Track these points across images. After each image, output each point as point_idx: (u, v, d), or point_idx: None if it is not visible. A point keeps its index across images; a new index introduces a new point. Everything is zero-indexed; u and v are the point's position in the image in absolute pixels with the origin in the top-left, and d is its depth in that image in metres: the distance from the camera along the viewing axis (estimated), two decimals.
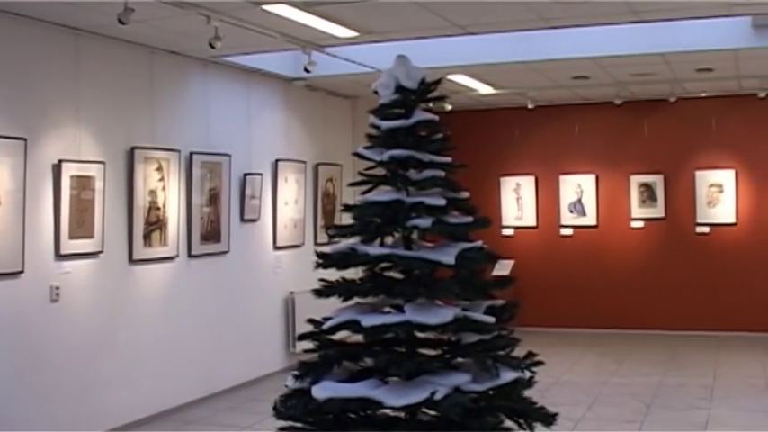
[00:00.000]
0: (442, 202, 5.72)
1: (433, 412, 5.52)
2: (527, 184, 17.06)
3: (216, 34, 9.09)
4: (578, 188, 16.70)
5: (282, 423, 5.77)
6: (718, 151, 15.90)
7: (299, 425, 5.72)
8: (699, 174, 16.03)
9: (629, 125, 16.34)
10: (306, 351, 5.97)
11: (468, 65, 12.34)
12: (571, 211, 16.76)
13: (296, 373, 5.75)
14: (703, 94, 15.48)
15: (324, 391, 5.51)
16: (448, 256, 5.61)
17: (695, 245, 16.04)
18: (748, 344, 14.71)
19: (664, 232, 16.27)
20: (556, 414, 5.92)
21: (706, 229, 16.02)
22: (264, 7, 8.75)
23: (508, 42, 11.31)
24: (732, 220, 15.87)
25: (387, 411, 5.62)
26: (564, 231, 16.83)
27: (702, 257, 15.94)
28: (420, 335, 5.76)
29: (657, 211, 16.29)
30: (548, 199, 16.94)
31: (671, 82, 14.03)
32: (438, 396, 5.32)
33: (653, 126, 16.24)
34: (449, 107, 14.17)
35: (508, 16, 9.49)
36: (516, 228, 17.06)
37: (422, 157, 5.77)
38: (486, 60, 12.04)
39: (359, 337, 5.70)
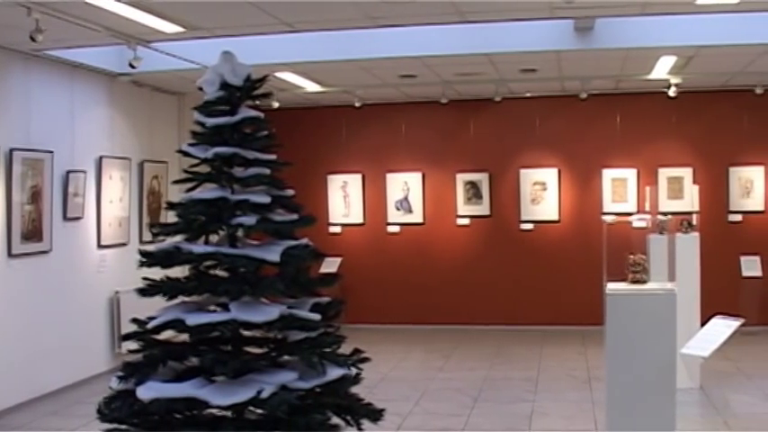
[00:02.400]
0: (267, 199, 5.70)
1: (259, 411, 5.51)
2: (354, 181, 17.11)
3: (37, 27, 8.85)
4: (405, 186, 16.85)
5: (107, 425, 5.66)
6: (541, 150, 16.29)
7: (123, 427, 5.62)
8: (523, 172, 16.38)
9: (455, 124, 16.58)
10: (131, 351, 5.87)
11: (296, 62, 12.33)
12: (398, 209, 16.89)
13: (120, 374, 5.64)
14: (528, 95, 15.86)
15: (149, 391, 5.43)
16: (273, 254, 5.60)
17: (520, 242, 16.39)
18: (571, 337, 15.09)
19: (489, 229, 16.56)
20: (383, 410, 5.98)
21: (530, 227, 16.38)
22: (89, 0, 8.57)
23: (335, 40, 11.34)
24: (555, 217, 16.29)
25: (213, 411, 5.58)
26: (391, 228, 16.95)
27: (527, 254, 16.30)
28: (246, 333, 5.75)
29: (483, 208, 16.57)
30: (375, 196, 17.03)
31: (496, 82, 14.28)
32: (264, 394, 5.32)
33: (478, 125, 16.52)
34: (276, 104, 14.12)
35: (335, 14, 9.51)
36: (343, 225, 17.09)
37: (247, 155, 5.75)
38: (314, 58, 12.04)
39: (185, 337, 5.64)
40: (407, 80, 14.00)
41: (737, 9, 9.65)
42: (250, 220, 5.63)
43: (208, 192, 5.75)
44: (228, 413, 5.59)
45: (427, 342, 15.42)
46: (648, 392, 7.54)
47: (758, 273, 15.10)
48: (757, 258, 15.20)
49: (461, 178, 16.63)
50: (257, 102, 6.02)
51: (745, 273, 15.20)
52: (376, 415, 5.92)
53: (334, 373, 5.69)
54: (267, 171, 5.83)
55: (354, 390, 5.95)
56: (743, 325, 8.07)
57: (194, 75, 7.57)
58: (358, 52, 11.86)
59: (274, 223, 5.78)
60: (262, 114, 5.93)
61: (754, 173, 15.61)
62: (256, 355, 5.76)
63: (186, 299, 5.76)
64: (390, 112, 16.75)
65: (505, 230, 16.48)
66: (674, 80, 13.72)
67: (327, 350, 5.75)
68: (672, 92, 14.07)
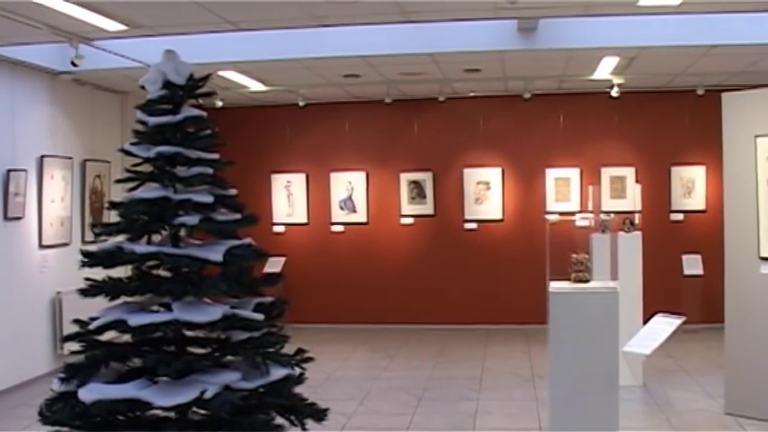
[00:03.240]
0: (210, 199, 5.68)
1: (203, 411, 5.48)
2: (298, 181, 17.06)
3: None
4: (349, 185, 16.84)
5: (49, 428, 5.60)
6: (485, 150, 16.35)
7: (65, 429, 5.56)
8: (467, 171, 16.43)
9: (399, 123, 16.59)
10: (73, 353, 5.82)
11: (239, 61, 12.28)
12: (342, 208, 16.88)
13: (62, 375, 5.58)
14: (471, 94, 15.89)
15: (91, 393, 5.38)
16: (216, 254, 5.58)
17: (463, 241, 16.43)
18: (515, 336, 15.15)
19: (433, 229, 16.59)
20: (327, 409, 5.98)
21: (474, 226, 16.43)
22: None
23: (279, 39, 11.32)
24: (499, 216, 16.36)
25: (156, 412, 5.54)
26: (335, 228, 16.93)
27: (470, 253, 16.35)
28: (189, 333, 5.72)
29: (427, 207, 16.61)
30: (319, 196, 16.99)
31: (440, 81, 14.32)
32: (208, 395, 5.29)
33: (422, 124, 16.55)
34: (219, 103, 14.08)
35: (279, 13, 9.49)
36: (287, 225, 17.05)
37: (189, 154, 5.71)
38: (257, 57, 12.01)
39: (127, 337, 5.60)
40: (351, 80, 14.00)
41: (679, 11, 9.74)
42: (193, 219, 5.60)
43: (150, 191, 5.70)
44: (172, 414, 5.55)
45: (371, 341, 15.43)
46: (592, 390, 7.60)
47: (699, 271, 15.25)
48: (698, 257, 15.35)
49: (405, 178, 16.65)
50: (200, 101, 5.99)
51: (687, 271, 15.36)
52: (320, 415, 5.92)
53: (278, 373, 5.68)
54: (210, 170, 5.80)
55: (298, 389, 5.94)
56: (684, 323, 8.17)
57: (137, 73, 7.52)
58: (302, 51, 11.84)
59: (217, 223, 5.76)
60: (205, 113, 5.90)
61: (695, 172, 15.78)
62: (199, 356, 5.72)
63: (129, 299, 5.71)
64: (334, 111, 16.72)
65: (449, 230, 16.52)
66: (616, 80, 13.84)
67: (271, 350, 5.74)
68: (614, 92, 14.20)
